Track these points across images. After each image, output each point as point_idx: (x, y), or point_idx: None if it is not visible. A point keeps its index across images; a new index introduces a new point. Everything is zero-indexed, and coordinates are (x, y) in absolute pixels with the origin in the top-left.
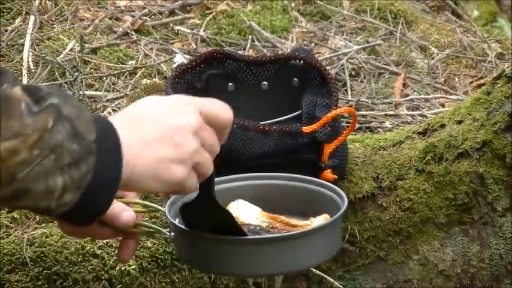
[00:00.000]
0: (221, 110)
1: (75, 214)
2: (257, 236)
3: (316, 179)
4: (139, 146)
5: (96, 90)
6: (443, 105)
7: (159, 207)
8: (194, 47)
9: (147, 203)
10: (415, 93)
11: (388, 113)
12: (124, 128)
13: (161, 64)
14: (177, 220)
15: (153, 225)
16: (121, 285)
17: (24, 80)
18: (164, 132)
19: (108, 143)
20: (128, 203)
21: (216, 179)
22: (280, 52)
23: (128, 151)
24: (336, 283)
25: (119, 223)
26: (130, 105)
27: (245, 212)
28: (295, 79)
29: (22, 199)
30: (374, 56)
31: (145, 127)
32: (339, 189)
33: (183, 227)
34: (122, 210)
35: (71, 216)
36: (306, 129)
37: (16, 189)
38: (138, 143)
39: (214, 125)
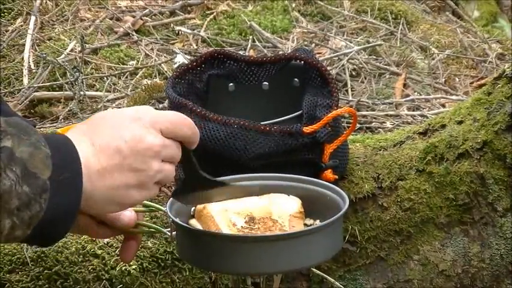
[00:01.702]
0: (180, 125)
1: (29, 242)
2: (257, 234)
3: (316, 180)
4: (98, 172)
5: (97, 90)
6: (443, 106)
7: (160, 207)
8: (195, 47)
9: (148, 202)
10: (416, 93)
11: (389, 113)
12: (84, 152)
13: (162, 64)
14: (177, 219)
15: (153, 225)
16: (121, 285)
17: (25, 81)
18: (124, 160)
19: (68, 171)
20: None
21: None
22: (280, 52)
23: (88, 176)
24: (337, 283)
25: (119, 223)
26: (90, 120)
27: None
28: (296, 79)
29: None
30: (375, 57)
31: (106, 152)
32: (340, 190)
33: (184, 225)
34: (122, 212)
35: (26, 242)
36: (307, 129)
37: None
38: (98, 169)
39: (180, 139)
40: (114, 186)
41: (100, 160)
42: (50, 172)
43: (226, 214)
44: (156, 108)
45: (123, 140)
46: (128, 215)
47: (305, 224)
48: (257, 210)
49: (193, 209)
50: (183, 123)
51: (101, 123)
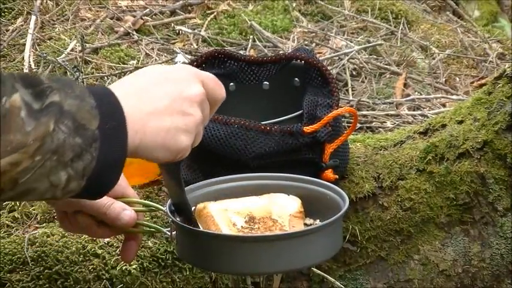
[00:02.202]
0: (218, 86)
1: (82, 195)
2: (257, 234)
3: (317, 179)
4: (147, 115)
5: None
6: (444, 105)
7: (160, 207)
8: (195, 47)
9: (147, 202)
10: (416, 93)
11: (389, 113)
12: (131, 100)
13: (162, 64)
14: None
15: (153, 225)
16: (122, 285)
17: None
18: (172, 102)
19: (113, 120)
20: (128, 202)
21: (217, 179)
22: (281, 52)
23: (135, 121)
24: (337, 283)
25: (119, 223)
26: (133, 75)
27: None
28: (296, 79)
29: (26, 197)
30: (375, 56)
31: (153, 97)
32: (339, 189)
33: (184, 224)
34: (123, 210)
35: (79, 196)
36: (307, 129)
37: (19, 191)
38: (146, 112)
39: (210, 99)
40: (165, 128)
41: (150, 102)
42: (97, 122)
43: (226, 214)
44: None
45: (170, 85)
46: (129, 214)
47: (305, 224)
48: (257, 210)
49: (193, 208)
50: (221, 85)
51: (145, 73)
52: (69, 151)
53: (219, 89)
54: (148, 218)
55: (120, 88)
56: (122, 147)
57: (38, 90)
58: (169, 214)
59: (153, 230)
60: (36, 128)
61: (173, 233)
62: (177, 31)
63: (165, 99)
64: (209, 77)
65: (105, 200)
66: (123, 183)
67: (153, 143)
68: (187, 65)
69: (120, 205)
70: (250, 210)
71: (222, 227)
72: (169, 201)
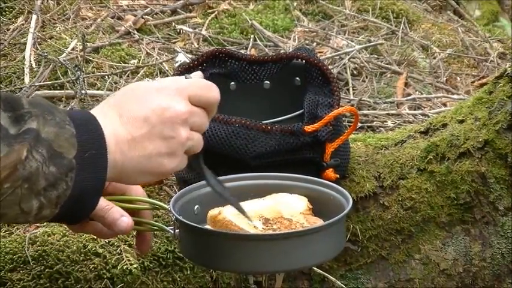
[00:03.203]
0: (206, 91)
1: (57, 220)
2: (260, 233)
3: (320, 179)
4: (128, 144)
5: (98, 89)
6: (445, 105)
7: (163, 205)
8: (196, 46)
9: (151, 200)
10: (417, 92)
11: (390, 112)
12: (112, 126)
13: (163, 63)
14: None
15: (156, 223)
16: (123, 284)
17: (26, 80)
18: (153, 128)
19: (93, 148)
20: (131, 201)
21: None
22: (282, 51)
23: (117, 150)
24: (338, 282)
25: (116, 229)
26: (116, 94)
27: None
28: (297, 78)
29: None
30: (376, 56)
31: (134, 122)
32: (343, 190)
33: (188, 222)
34: (120, 216)
35: (54, 221)
36: (308, 128)
37: None
38: (127, 139)
39: (202, 105)
40: (146, 155)
41: (129, 130)
42: (75, 151)
43: (242, 217)
44: None
45: (150, 109)
46: (126, 221)
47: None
48: (266, 211)
49: (196, 207)
50: (210, 88)
51: (127, 95)
52: (42, 180)
53: (208, 93)
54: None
55: (101, 113)
56: (100, 176)
57: (17, 114)
58: (173, 212)
59: (156, 228)
60: (8, 155)
61: (176, 231)
62: (178, 30)
63: (145, 126)
64: (196, 85)
65: (104, 204)
66: None
67: (134, 170)
68: (172, 80)
69: (119, 211)
70: (261, 212)
71: (247, 229)
72: (172, 199)
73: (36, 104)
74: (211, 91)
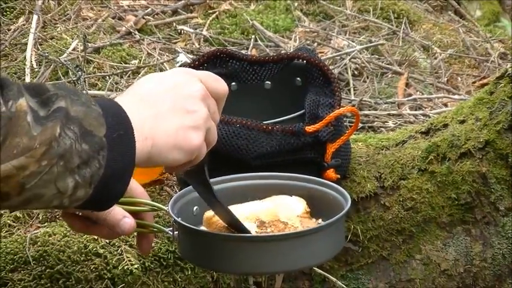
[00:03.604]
0: (218, 82)
1: (90, 204)
2: (260, 234)
3: (318, 179)
4: (153, 120)
5: (99, 89)
6: (446, 105)
7: (162, 206)
8: (197, 46)
9: (150, 202)
10: (418, 92)
11: (391, 112)
12: (135, 108)
13: (164, 63)
14: (179, 218)
15: (156, 225)
16: (124, 285)
17: (27, 80)
18: (175, 103)
19: (120, 129)
20: (132, 203)
21: (218, 179)
22: (283, 52)
23: (143, 128)
24: (339, 282)
25: (118, 230)
26: (133, 85)
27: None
28: (298, 79)
29: (32, 204)
30: (377, 56)
31: (156, 102)
32: (342, 189)
33: (186, 224)
34: (123, 217)
35: (86, 205)
36: (309, 128)
37: (26, 197)
38: (152, 118)
39: (213, 95)
40: (173, 129)
41: (153, 107)
42: (104, 130)
43: None
44: None
45: (169, 87)
46: (129, 222)
47: None
48: (264, 213)
49: (195, 208)
50: (219, 80)
51: (142, 82)
52: (76, 157)
53: (219, 84)
54: None
55: (122, 99)
56: (130, 156)
57: (44, 98)
58: (172, 214)
59: (155, 230)
60: (42, 133)
61: (175, 232)
62: (179, 31)
63: (167, 102)
64: (207, 74)
65: None
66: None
67: (165, 146)
68: (182, 67)
69: (121, 212)
70: (258, 215)
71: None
72: (171, 201)
73: (61, 87)
74: (221, 83)
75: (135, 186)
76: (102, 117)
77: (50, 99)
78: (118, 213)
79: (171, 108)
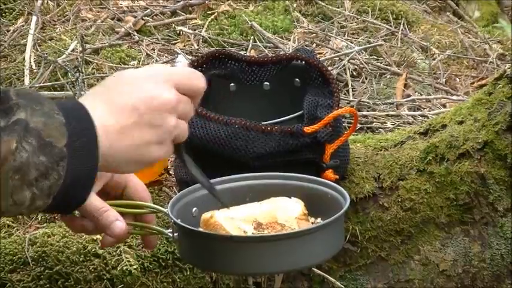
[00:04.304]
0: (193, 80)
1: (51, 210)
2: (258, 235)
3: (317, 178)
4: (117, 132)
5: None
6: (444, 106)
7: (161, 208)
8: (196, 47)
9: (148, 204)
10: (417, 93)
11: (390, 113)
12: (101, 114)
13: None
14: (179, 220)
15: (155, 227)
16: (122, 285)
17: (26, 81)
18: (142, 117)
19: (83, 136)
20: (131, 205)
21: (217, 179)
22: (281, 53)
23: (106, 137)
24: (338, 283)
25: (109, 232)
26: (103, 83)
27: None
28: (297, 79)
29: None
30: (375, 57)
31: (123, 113)
32: (340, 188)
33: (186, 226)
34: (115, 220)
35: (48, 212)
36: (308, 129)
37: None
38: (116, 129)
39: (189, 93)
40: (134, 144)
41: (118, 120)
42: (65, 139)
43: (233, 222)
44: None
45: (139, 97)
46: (120, 226)
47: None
48: (261, 215)
49: (194, 209)
50: (196, 76)
51: (115, 84)
52: (33, 170)
53: (194, 81)
54: None
55: (90, 103)
56: (92, 164)
57: (5, 106)
58: (171, 216)
59: (155, 232)
60: None
61: (175, 234)
62: (178, 32)
63: (134, 115)
64: (182, 73)
65: (101, 205)
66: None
67: (123, 159)
68: (159, 67)
69: (114, 214)
70: (255, 217)
71: (235, 234)
72: (170, 202)
73: (24, 95)
74: (197, 79)
75: (140, 189)
76: (64, 127)
77: (11, 110)
78: (111, 215)
79: (137, 122)
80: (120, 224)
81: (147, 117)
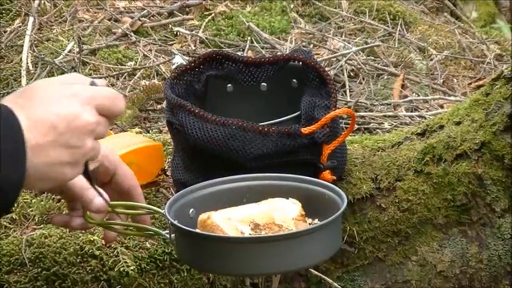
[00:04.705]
0: (114, 102)
1: None
2: (256, 235)
3: (314, 179)
4: (32, 150)
5: None
6: (442, 107)
7: (158, 209)
8: (193, 48)
9: (145, 205)
10: (414, 94)
11: (387, 114)
12: (26, 132)
13: (160, 65)
14: (176, 221)
15: (152, 228)
16: (120, 286)
17: (23, 82)
18: (60, 137)
19: (12, 142)
20: (126, 206)
21: (214, 181)
22: (279, 53)
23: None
24: (335, 284)
25: (92, 207)
26: (26, 92)
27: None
28: (294, 80)
29: None
30: (373, 57)
31: (41, 128)
32: (338, 189)
33: (183, 227)
34: (95, 196)
35: None
36: (305, 130)
37: None
38: (31, 146)
39: (108, 114)
40: (49, 163)
41: (35, 136)
42: None
43: (230, 223)
44: (154, 110)
45: (59, 116)
46: (100, 200)
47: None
48: (259, 216)
49: (191, 210)
50: (118, 98)
51: (36, 96)
52: None
53: (115, 105)
54: None
55: (20, 115)
56: (21, 168)
57: None
58: (168, 217)
59: (152, 233)
60: None
61: (172, 235)
62: (175, 32)
63: (52, 133)
64: (103, 94)
65: (84, 185)
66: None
67: (35, 177)
68: (79, 83)
69: (94, 192)
70: (253, 218)
71: (232, 235)
72: (167, 204)
73: None
74: (118, 102)
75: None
76: None
77: None
78: (91, 193)
79: (54, 141)
80: (99, 199)
81: (66, 137)
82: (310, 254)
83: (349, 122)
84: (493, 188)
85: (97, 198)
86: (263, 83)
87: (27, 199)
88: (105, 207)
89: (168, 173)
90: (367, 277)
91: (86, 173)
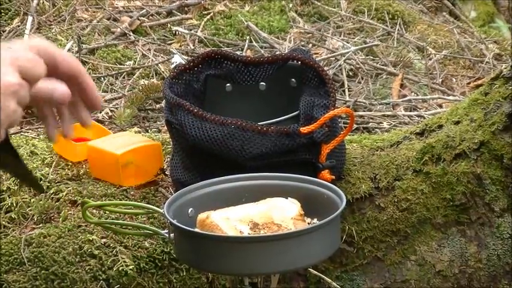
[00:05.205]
0: (36, 65)
1: None
2: (254, 235)
3: (313, 178)
4: None
5: None
6: (440, 106)
7: (157, 209)
8: (192, 47)
9: (144, 204)
10: (413, 93)
11: (386, 113)
12: None
13: (159, 65)
14: (175, 220)
15: (151, 227)
16: (119, 286)
17: None
18: None
19: None
20: (125, 205)
21: (213, 180)
22: (278, 53)
23: None
24: (334, 283)
25: (56, 97)
26: None
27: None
28: (293, 80)
29: None
30: (371, 57)
31: None
32: (336, 188)
33: (182, 226)
34: (57, 83)
35: None
36: (304, 129)
37: None
38: None
39: (29, 79)
40: None
41: None
42: None
43: (229, 222)
44: (153, 109)
45: None
46: (62, 86)
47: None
48: (258, 216)
49: (190, 210)
50: (38, 63)
51: None
52: None
53: (36, 69)
54: (145, 219)
55: None
56: None
57: None
58: (167, 216)
59: (151, 232)
60: None
61: (171, 234)
62: (174, 32)
63: None
64: (27, 58)
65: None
66: None
67: None
68: (7, 46)
69: (55, 80)
70: (252, 217)
71: (231, 234)
72: (166, 203)
73: None
74: (39, 67)
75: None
76: None
77: None
78: (52, 82)
79: None
80: (62, 87)
81: None
82: (309, 253)
83: (348, 121)
84: (492, 188)
85: (56, 86)
86: (262, 83)
87: (26, 198)
88: (69, 96)
89: (167, 172)
90: (366, 276)
91: (7, 141)
